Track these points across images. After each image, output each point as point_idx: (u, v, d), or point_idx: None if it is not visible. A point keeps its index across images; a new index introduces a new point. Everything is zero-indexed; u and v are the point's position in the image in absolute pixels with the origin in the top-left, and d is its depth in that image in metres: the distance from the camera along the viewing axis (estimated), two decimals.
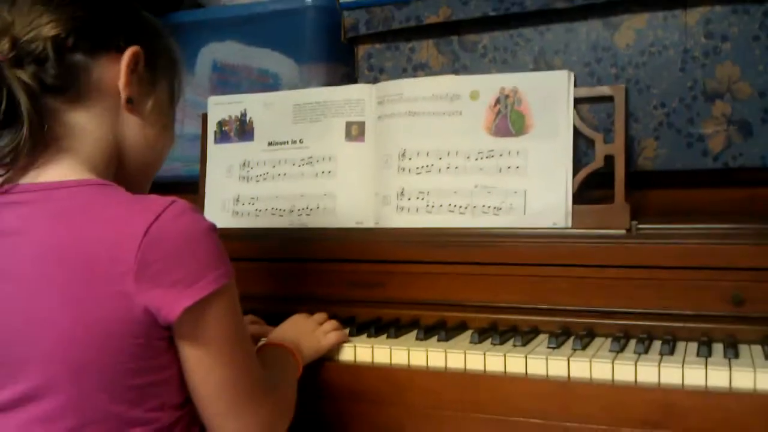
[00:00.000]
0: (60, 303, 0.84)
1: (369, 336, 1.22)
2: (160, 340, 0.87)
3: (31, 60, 0.88)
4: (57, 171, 0.91)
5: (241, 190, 1.55)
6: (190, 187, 1.59)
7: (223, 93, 1.67)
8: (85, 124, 0.93)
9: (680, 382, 1.01)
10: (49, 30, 0.88)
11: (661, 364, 1.02)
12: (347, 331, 1.23)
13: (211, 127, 1.59)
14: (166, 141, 1.04)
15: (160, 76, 1.01)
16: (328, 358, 1.18)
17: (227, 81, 1.77)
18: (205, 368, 0.89)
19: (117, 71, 0.95)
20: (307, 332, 1.18)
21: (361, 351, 1.18)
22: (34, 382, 0.85)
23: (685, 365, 1.01)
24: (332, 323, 1.22)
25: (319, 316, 1.24)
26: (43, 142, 0.89)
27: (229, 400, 0.90)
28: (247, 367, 0.93)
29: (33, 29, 0.88)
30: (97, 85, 0.94)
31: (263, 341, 1.16)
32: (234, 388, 0.91)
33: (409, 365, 1.14)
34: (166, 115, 1.04)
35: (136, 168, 0.99)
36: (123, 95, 0.95)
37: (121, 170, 0.97)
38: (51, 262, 0.85)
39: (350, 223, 1.45)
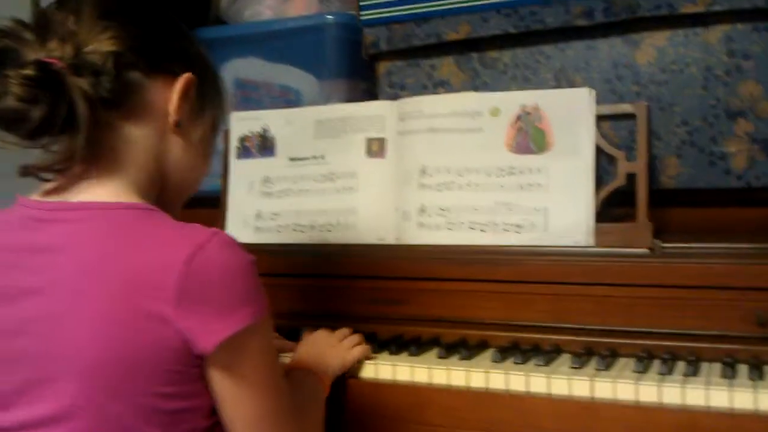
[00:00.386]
0: (97, 324, 0.84)
1: (390, 353, 1.23)
2: (194, 367, 0.88)
3: (90, 71, 0.89)
4: (105, 190, 0.91)
5: (263, 206, 1.55)
6: (212, 202, 1.60)
7: (246, 109, 1.68)
8: (135, 141, 0.94)
9: (705, 403, 1.00)
10: (110, 45, 0.90)
11: (686, 385, 1.02)
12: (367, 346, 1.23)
13: (234, 143, 1.60)
14: (204, 167, 1.06)
15: (207, 105, 1.03)
16: (349, 374, 1.19)
17: (249, 97, 1.78)
18: (237, 400, 0.90)
19: (169, 94, 0.96)
20: (331, 347, 1.19)
21: (382, 368, 1.18)
22: (63, 401, 0.85)
23: (709, 386, 1.01)
24: (354, 338, 1.23)
25: (342, 331, 1.25)
26: (97, 152, 0.90)
27: (260, 430, 0.91)
28: (278, 400, 0.93)
29: (95, 42, 0.90)
30: (149, 105, 0.95)
31: (286, 357, 1.17)
32: (265, 420, 0.91)
33: (430, 383, 1.15)
34: (208, 142, 1.06)
35: (175, 190, 1.01)
36: (172, 118, 0.97)
37: (161, 191, 0.98)
38: (92, 282, 0.85)
39: (371, 239, 1.46)
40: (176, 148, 0.99)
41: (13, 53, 0.88)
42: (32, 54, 0.88)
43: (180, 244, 0.86)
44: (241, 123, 1.60)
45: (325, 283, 1.40)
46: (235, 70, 1.79)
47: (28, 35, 0.89)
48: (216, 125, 1.08)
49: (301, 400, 1.02)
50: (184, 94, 0.98)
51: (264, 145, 1.58)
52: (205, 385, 0.89)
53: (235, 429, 0.91)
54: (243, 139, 1.59)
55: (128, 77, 0.92)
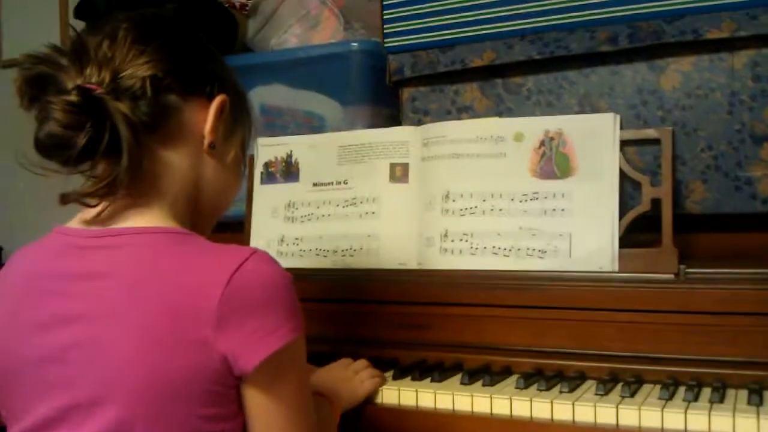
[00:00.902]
0: (141, 347, 0.85)
1: (413, 379, 1.22)
2: (233, 388, 0.88)
3: (128, 95, 0.90)
4: (144, 217, 0.92)
5: (286, 231, 1.56)
6: (236, 227, 1.61)
7: (271, 135, 1.69)
8: (172, 164, 0.96)
9: (731, 430, 0.99)
10: (146, 69, 0.91)
11: (712, 413, 1.00)
12: (385, 375, 1.23)
13: (258, 168, 1.61)
14: (236, 186, 1.08)
15: (238, 126, 1.05)
16: (371, 401, 1.18)
17: (274, 123, 1.79)
18: (271, 418, 0.90)
19: (204, 116, 0.98)
20: (345, 380, 1.18)
21: (405, 394, 1.18)
22: (105, 427, 0.85)
23: (736, 414, 0.99)
24: (370, 372, 1.22)
25: (359, 364, 1.24)
26: (137, 177, 0.90)
27: None
28: (309, 419, 0.94)
29: (131, 66, 0.91)
30: (186, 127, 0.96)
31: None
32: None
33: (453, 410, 1.14)
34: (239, 162, 1.07)
35: (208, 210, 1.02)
36: (207, 140, 0.98)
37: (194, 212, 0.99)
38: (132, 307, 0.86)
39: (394, 265, 1.46)
40: (210, 169, 1.00)
41: (50, 79, 0.90)
42: (70, 80, 0.89)
43: (219, 265, 0.87)
44: (265, 148, 1.61)
45: (347, 308, 1.40)
46: (260, 96, 1.81)
47: (65, 61, 0.91)
48: (245, 145, 1.09)
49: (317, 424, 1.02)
50: (219, 116, 0.99)
51: (288, 171, 1.59)
52: (241, 405, 0.90)
53: None
54: (267, 165, 1.61)
55: (165, 100, 0.94)
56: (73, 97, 0.87)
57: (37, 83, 0.90)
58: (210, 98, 0.99)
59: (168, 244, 0.91)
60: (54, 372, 0.88)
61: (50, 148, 0.88)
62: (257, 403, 0.89)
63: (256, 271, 0.87)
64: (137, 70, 0.91)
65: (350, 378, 1.19)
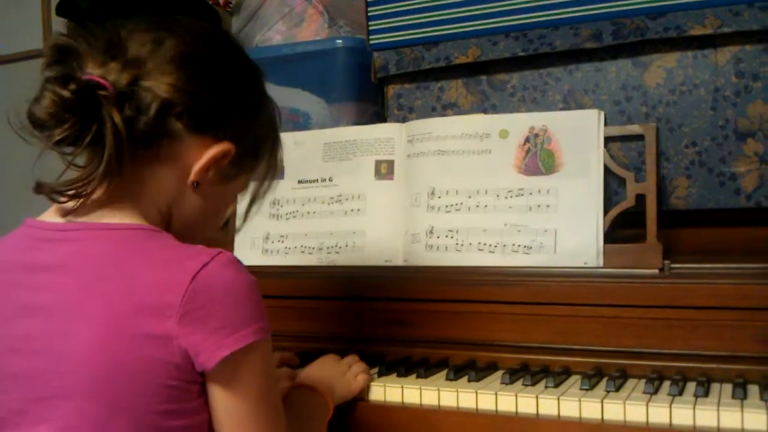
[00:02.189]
0: (100, 341, 0.85)
1: (399, 375, 1.22)
2: (194, 384, 0.88)
3: (134, 105, 0.88)
4: (115, 215, 0.92)
5: (271, 228, 1.56)
6: (222, 225, 1.60)
7: None
8: (154, 181, 0.93)
9: (716, 424, 0.99)
10: (164, 91, 0.89)
11: (696, 407, 1.00)
12: (371, 372, 1.23)
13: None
14: (208, 228, 1.05)
15: (241, 174, 1.01)
16: (357, 397, 1.18)
17: None
18: (233, 418, 0.89)
19: (200, 154, 0.94)
20: (339, 374, 1.18)
21: (390, 390, 1.17)
22: (65, 420, 0.85)
23: (720, 407, 0.99)
24: (362, 366, 1.22)
25: (350, 358, 1.24)
26: (115, 182, 0.89)
27: None
28: (273, 423, 0.93)
29: (153, 81, 0.89)
30: (178, 156, 0.93)
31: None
32: None
33: (439, 406, 1.14)
34: (227, 203, 1.05)
35: (180, 233, 0.98)
36: (192, 178, 0.95)
37: (167, 228, 0.97)
38: (93, 301, 0.86)
39: (379, 261, 1.45)
40: (189, 203, 0.97)
41: (74, 56, 0.89)
42: (89, 66, 0.88)
43: (184, 263, 0.86)
44: None
45: (333, 305, 1.40)
46: None
47: (98, 46, 0.90)
48: (248, 209, 1.08)
49: (301, 418, 1.02)
50: (215, 161, 0.95)
51: None
52: (205, 401, 0.89)
53: None
54: None
55: (168, 126, 0.91)
56: (66, 93, 0.86)
57: (61, 53, 0.89)
58: (216, 141, 0.95)
59: (134, 240, 0.90)
60: (16, 363, 0.88)
61: (34, 123, 0.88)
62: (220, 404, 0.89)
63: (222, 270, 0.87)
64: (156, 87, 0.89)
65: (343, 372, 1.19)
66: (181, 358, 0.85)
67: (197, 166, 0.94)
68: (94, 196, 0.90)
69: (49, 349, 0.86)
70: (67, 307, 0.87)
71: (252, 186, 1.07)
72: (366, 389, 1.19)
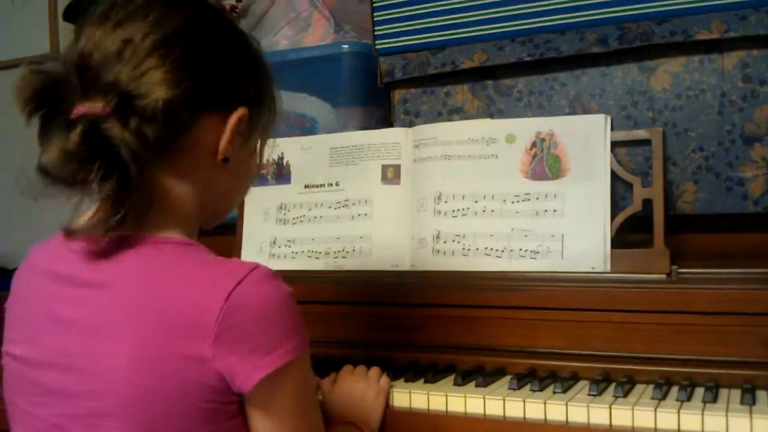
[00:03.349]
0: (136, 362, 0.83)
1: (406, 380, 1.22)
2: (231, 404, 0.86)
3: (136, 116, 0.84)
4: (151, 227, 0.88)
5: (278, 233, 1.56)
6: (228, 230, 1.61)
7: None
8: (184, 177, 0.91)
9: (725, 430, 0.99)
10: (161, 91, 0.84)
11: (705, 412, 1.00)
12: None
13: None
14: (244, 192, 1.04)
15: (254, 133, 0.97)
16: None
17: None
18: None
19: (220, 131, 0.91)
20: (370, 400, 1.15)
21: (398, 396, 1.17)
22: None
23: (729, 413, 0.99)
24: (385, 379, 1.20)
25: (373, 373, 1.21)
26: (149, 203, 0.86)
27: None
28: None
29: (143, 84, 0.84)
30: (198, 143, 0.90)
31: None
32: None
33: (447, 411, 1.13)
34: (252, 167, 1.02)
35: (213, 215, 0.98)
36: (221, 155, 0.92)
37: (200, 217, 0.96)
38: (131, 320, 0.84)
39: (386, 266, 1.45)
40: (221, 180, 0.95)
41: (56, 96, 0.85)
42: (75, 101, 0.84)
43: (219, 280, 0.84)
44: None
45: (340, 309, 1.40)
46: None
47: (71, 77, 0.85)
48: (261, 150, 1.03)
49: None
50: (236, 131, 0.92)
51: (280, 173, 1.59)
52: (242, 419, 0.88)
53: None
54: None
55: (177, 120, 0.87)
56: (75, 136, 0.82)
57: (41, 97, 0.86)
58: (228, 112, 0.92)
59: (170, 255, 0.87)
60: (52, 377, 0.87)
61: (52, 175, 0.84)
62: (259, 424, 0.87)
63: (256, 289, 0.84)
64: (151, 91, 0.84)
65: (372, 393, 1.16)
66: (217, 380, 0.83)
67: (223, 142, 0.91)
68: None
69: (84, 368, 0.85)
70: (103, 325, 0.85)
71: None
72: None
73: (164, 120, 0.85)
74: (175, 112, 0.86)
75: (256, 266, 0.86)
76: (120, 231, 0.85)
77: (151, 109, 0.84)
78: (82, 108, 0.84)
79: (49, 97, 0.86)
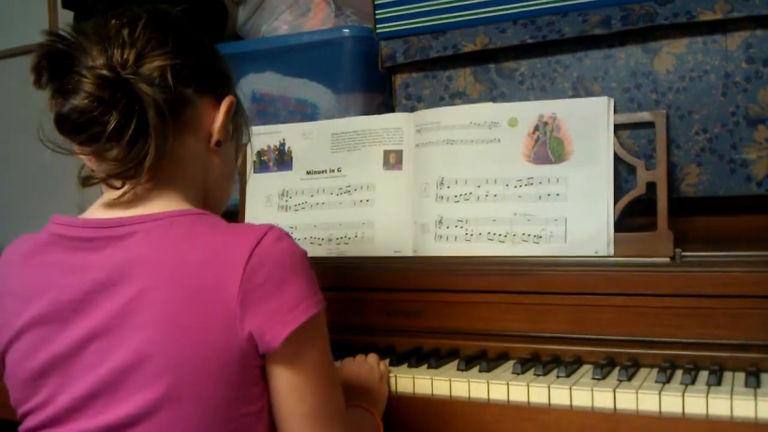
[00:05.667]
0: (164, 332, 0.84)
1: (410, 366, 1.22)
2: (256, 368, 0.88)
3: (147, 82, 0.89)
4: (163, 201, 0.93)
5: (280, 220, 1.55)
6: (230, 216, 1.60)
7: (263, 123, 1.68)
8: (187, 154, 0.96)
9: (729, 413, 0.99)
10: (165, 59, 0.91)
11: (709, 395, 1.00)
12: (383, 362, 1.22)
13: (251, 157, 1.60)
14: (231, 185, 1.08)
15: (236, 130, 1.05)
16: None
17: (266, 111, 1.78)
18: (297, 395, 0.90)
19: (215, 115, 0.98)
20: (375, 385, 1.16)
21: (402, 381, 1.17)
22: (134, 409, 0.85)
23: (733, 396, 0.99)
24: (384, 365, 1.21)
25: (384, 366, 1.22)
26: (164, 160, 0.90)
27: (313, 426, 0.91)
28: (335, 395, 0.94)
29: (151, 54, 0.91)
30: (198, 122, 0.97)
31: None
32: (321, 416, 0.91)
33: (450, 396, 1.14)
34: (236, 162, 1.08)
35: (214, 201, 1.02)
36: (216, 137, 0.99)
37: (204, 205, 0.99)
38: (152, 291, 0.85)
39: (388, 252, 1.45)
40: (215, 166, 1.01)
41: (72, 57, 0.89)
42: (92, 60, 0.88)
43: (239, 242, 0.86)
44: (258, 137, 1.60)
45: (342, 295, 1.39)
46: (252, 84, 1.79)
47: (87, 42, 0.90)
48: (240, 145, 1.09)
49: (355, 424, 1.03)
50: (228, 116, 0.99)
51: (281, 159, 1.58)
52: (264, 386, 0.90)
53: (288, 425, 0.91)
54: (260, 153, 1.60)
55: (182, 92, 0.93)
56: (106, 72, 0.87)
57: (58, 60, 0.89)
58: (220, 98, 0.99)
59: (184, 225, 0.90)
60: (74, 363, 0.88)
61: (76, 123, 0.88)
62: (284, 382, 0.89)
63: (275, 247, 0.87)
64: (157, 59, 0.91)
65: (380, 383, 1.17)
66: (246, 341, 0.85)
67: (217, 124, 0.98)
68: (142, 182, 0.91)
69: (109, 347, 0.86)
70: (126, 302, 0.86)
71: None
72: None
73: (173, 86, 0.91)
74: (178, 81, 0.92)
75: (271, 227, 0.89)
76: (138, 179, 0.90)
77: (159, 74, 0.90)
78: (100, 61, 0.88)
79: (65, 55, 0.89)
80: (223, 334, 0.84)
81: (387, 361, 1.24)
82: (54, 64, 0.89)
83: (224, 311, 0.84)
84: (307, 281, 0.89)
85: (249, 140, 1.12)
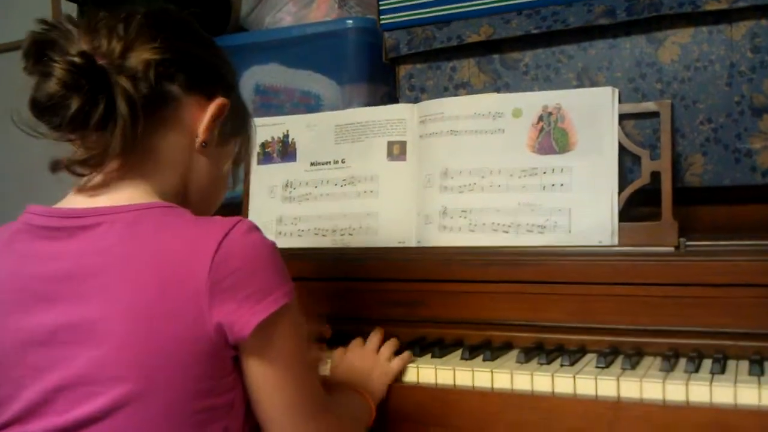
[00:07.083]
0: (132, 323, 0.85)
1: (414, 355, 1.22)
2: (227, 359, 0.88)
3: (130, 74, 0.90)
4: (130, 193, 0.93)
5: (284, 211, 1.55)
6: (234, 208, 1.61)
7: (266, 115, 1.68)
8: (163, 150, 0.96)
9: (733, 401, 0.98)
10: (152, 53, 0.92)
11: (713, 383, 1.00)
12: (409, 353, 1.22)
13: (255, 149, 1.60)
14: (221, 193, 1.08)
15: (233, 135, 1.05)
16: None
17: (270, 103, 1.78)
18: (271, 385, 0.90)
19: (201, 115, 0.98)
20: (381, 375, 1.17)
21: (406, 370, 1.18)
22: (102, 403, 0.85)
23: (737, 384, 0.99)
24: (390, 349, 1.21)
25: (385, 349, 1.22)
26: (128, 154, 0.91)
27: (293, 417, 0.91)
28: (310, 384, 0.94)
29: (139, 49, 0.92)
30: (181, 120, 0.97)
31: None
32: (298, 405, 0.92)
33: (455, 385, 1.14)
34: (228, 169, 1.07)
35: (194, 205, 1.00)
36: (200, 138, 0.98)
37: (185, 204, 0.99)
38: (122, 283, 0.86)
39: (392, 243, 1.45)
40: (200, 168, 1.01)
41: (59, 45, 0.90)
42: (78, 48, 0.89)
43: (207, 234, 0.87)
44: (262, 129, 1.60)
45: (346, 286, 1.40)
46: (255, 76, 1.79)
47: (77, 31, 0.91)
48: (239, 157, 1.09)
49: (348, 419, 1.03)
50: (216, 118, 0.99)
51: (285, 151, 1.58)
52: (237, 377, 0.90)
53: (265, 417, 0.91)
54: (264, 145, 1.60)
55: (166, 88, 0.94)
56: (77, 59, 0.88)
57: (45, 46, 0.90)
58: (210, 98, 0.99)
59: (154, 217, 0.90)
60: (41, 355, 0.88)
61: (45, 107, 0.89)
62: (257, 372, 0.89)
63: (244, 239, 0.88)
64: (144, 53, 0.91)
65: (376, 366, 1.18)
66: (215, 331, 0.85)
67: (203, 125, 0.98)
68: (110, 171, 0.92)
69: (77, 338, 0.86)
70: (94, 293, 0.86)
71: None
72: None
73: (154, 82, 0.91)
74: (165, 77, 0.93)
75: (240, 219, 0.89)
76: (102, 168, 0.91)
77: (143, 68, 0.91)
78: (85, 48, 0.90)
79: (53, 43, 0.90)
80: (192, 325, 0.85)
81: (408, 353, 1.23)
82: (39, 51, 0.90)
83: (192, 303, 0.84)
84: (276, 272, 0.89)
85: (248, 155, 1.12)
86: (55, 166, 0.92)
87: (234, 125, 1.05)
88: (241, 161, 1.11)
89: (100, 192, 0.92)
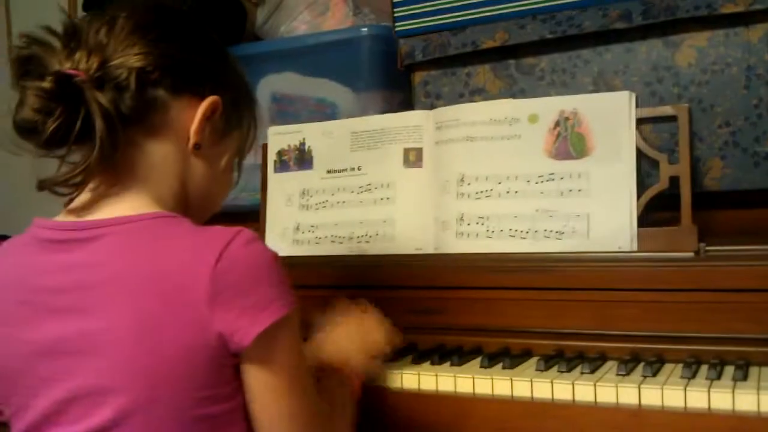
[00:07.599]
0: (136, 334, 0.85)
1: (432, 363, 1.22)
2: (229, 367, 0.89)
3: (112, 85, 0.89)
4: (127, 205, 0.92)
5: (301, 219, 1.56)
6: (251, 216, 1.61)
7: (282, 123, 1.69)
8: (156, 157, 0.95)
9: (756, 408, 0.97)
10: (136, 61, 0.91)
11: (735, 390, 0.99)
12: (404, 360, 1.22)
13: (271, 157, 1.60)
14: (224, 190, 1.07)
15: (232, 130, 1.04)
16: (392, 386, 1.18)
17: (286, 111, 1.79)
18: (270, 395, 0.90)
19: (192, 115, 0.97)
20: (356, 342, 1.17)
21: (425, 379, 1.17)
22: (110, 413, 0.86)
23: (760, 391, 0.98)
24: (377, 318, 1.22)
25: (370, 319, 1.22)
26: (117, 168, 0.91)
27: (290, 426, 0.92)
28: (308, 396, 0.94)
29: (122, 56, 0.90)
30: (171, 124, 0.96)
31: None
32: (296, 416, 0.92)
33: (474, 393, 1.13)
34: (230, 166, 1.06)
35: (196, 209, 1.01)
36: (192, 140, 0.97)
37: (186, 208, 0.99)
38: (122, 295, 0.86)
39: (409, 250, 1.45)
40: (197, 169, 1.00)
41: (39, 61, 0.89)
42: (57, 64, 0.89)
43: (208, 244, 0.87)
44: (278, 137, 1.60)
45: (364, 294, 1.38)
46: (271, 85, 1.80)
47: (57, 44, 0.90)
48: (241, 150, 1.08)
49: (329, 406, 1.03)
50: (207, 117, 0.98)
51: (301, 158, 1.58)
52: (238, 385, 0.90)
53: (265, 426, 0.91)
54: (280, 153, 1.60)
55: (151, 94, 0.93)
56: (46, 84, 0.87)
57: (25, 64, 0.90)
58: (202, 98, 0.97)
59: (154, 228, 0.90)
60: (49, 366, 0.89)
61: (23, 131, 0.89)
62: (256, 382, 0.90)
63: (245, 248, 0.87)
64: (127, 61, 0.90)
65: (356, 339, 1.18)
66: (216, 340, 0.85)
67: (194, 127, 0.97)
68: (102, 188, 0.92)
69: (82, 350, 0.87)
70: (98, 304, 0.87)
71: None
72: (399, 377, 1.19)
73: (138, 90, 0.90)
74: (150, 84, 0.92)
75: (241, 229, 0.89)
76: (84, 186, 0.91)
77: (125, 77, 0.90)
78: (63, 67, 0.89)
79: (32, 59, 0.90)
80: (193, 335, 0.85)
81: (409, 358, 1.23)
82: (21, 69, 0.90)
83: (193, 313, 0.85)
84: (277, 283, 0.89)
85: (249, 148, 1.10)
86: (41, 186, 0.92)
87: (231, 120, 1.03)
88: (245, 154, 1.09)
89: (100, 206, 0.92)
